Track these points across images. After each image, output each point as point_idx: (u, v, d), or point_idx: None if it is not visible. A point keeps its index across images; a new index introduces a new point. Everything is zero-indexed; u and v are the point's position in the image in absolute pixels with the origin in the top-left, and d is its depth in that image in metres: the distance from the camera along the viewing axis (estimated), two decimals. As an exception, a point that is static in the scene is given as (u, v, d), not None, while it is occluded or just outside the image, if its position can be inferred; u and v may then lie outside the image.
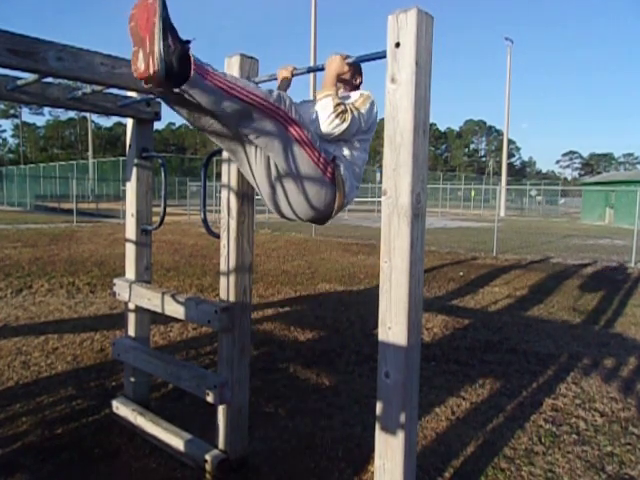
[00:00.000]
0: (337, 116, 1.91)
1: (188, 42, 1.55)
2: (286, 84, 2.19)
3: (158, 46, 1.46)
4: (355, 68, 2.20)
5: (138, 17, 1.51)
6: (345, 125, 1.94)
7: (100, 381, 3.41)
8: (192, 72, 1.51)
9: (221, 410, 2.37)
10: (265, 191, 1.98)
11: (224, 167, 2.30)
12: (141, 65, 1.49)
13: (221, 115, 1.69)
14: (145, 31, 1.48)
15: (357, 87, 2.24)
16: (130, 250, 2.90)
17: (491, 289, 7.12)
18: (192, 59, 1.52)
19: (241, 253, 2.31)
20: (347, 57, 1.92)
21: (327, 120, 1.91)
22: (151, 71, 1.47)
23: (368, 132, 2.12)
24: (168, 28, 1.49)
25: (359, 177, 2.14)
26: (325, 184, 1.91)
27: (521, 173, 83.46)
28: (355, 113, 1.98)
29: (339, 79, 2.06)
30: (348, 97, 2.08)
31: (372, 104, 2.06)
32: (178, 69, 1.50)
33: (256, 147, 1.86)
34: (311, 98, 2.38)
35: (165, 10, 1.50)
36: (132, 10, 1.54)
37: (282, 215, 2.07)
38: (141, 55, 1.50)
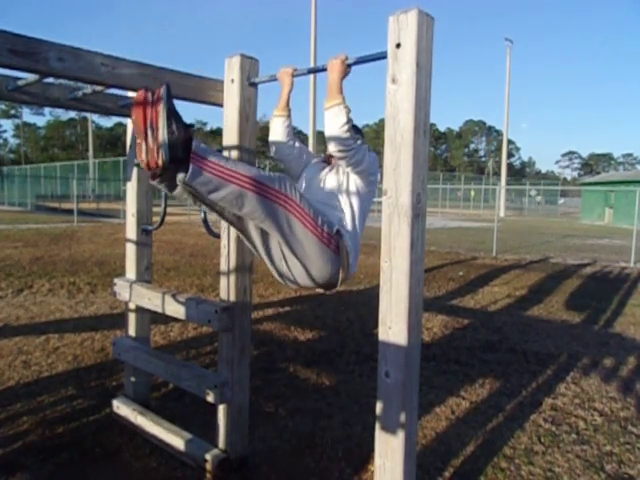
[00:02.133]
0: (350, 129, 1.90)
1: (191, 126, 1.59)
2: (288, 89, 2.18)
3: (162, 134, 1.51)
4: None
5: (138, 110, 1.55)
6: (357, 143, 1.94)
7: (101, 381, 3.41)
8: (191, 164, 1.54)
9: (221, 410, 2.37)
10: (268, 263, 1.98)
11: (224, 167, 2.30)
12: (145, 157, 1.55)
13: (222, 202, 1.69)
14: (147, 121, 1.53)
15: None
16: (130, 250, 2.91)
17: (491, 289, 7.13)
18: (193, 147, 1.56)
19: (241, 253, 2.31)
20: (347, 59, 1.92)
21: (341, 129, 1.88)
22: (156, 160, 1.52)
23: (371, 182, 2.08)
24: (172, 115, 1.54)
25: (359, 243, 2.11)
26: (329, 257, 1.89)
27: (521, 173, 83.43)
28: (365, 145, 2.00)
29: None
30: None
31: (375, 157, 2.07)
32: (182, 154, 1.55)
33: (258, 227, 1.85)
34: (315, 155, 2.40)
35: (169, 98, 1.55)
36: (134, 103, 1.58)
37: (285, 283, 2.06)
38: (144, 147, 1.55)
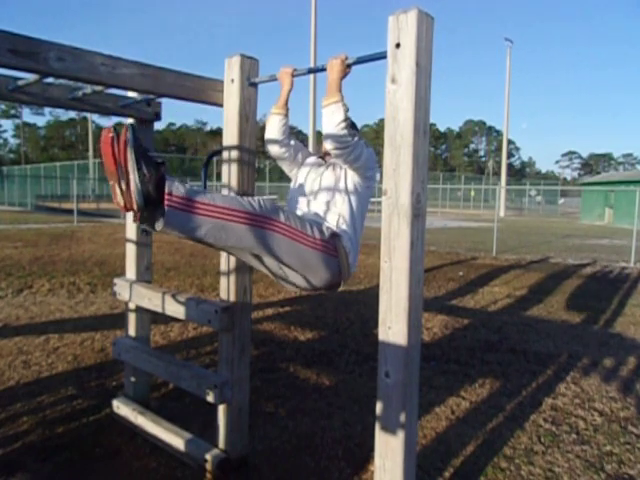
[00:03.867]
0: (347, 126, 1.88)
1: (162, 164, 1.56)
2: (288, 88, 2.18)
3: (134, 178, 1.49)
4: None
5: (107, 152, 1.53)
6: (354, 141, 1.91)
7: (100, 381, 3.41)
8: (166, 207, 1.51)
9: (221, 410, 2.37)
10: (269, 274, 2.00)
11: (224, 167, 2.31)
12: (121, 200, 1.54)
13: (205, 238, 1.64)
14: (117, 165, 1.51)
15: None
16: (130, 250, 2.91)
17: (491, 289, 7.13)
18: (166, 187, 1.52)
19: (241, 253, 2.31)
20: (347, 58, 1.92)
21: (338, 126, 1.86)
22: (132, 204, 1.51)
23: (368, 177, 2.07)
24: (141, 157, 1.51)
25: (359, 241, 2.10)
26: (327, 262, 1.89)
27: (521, 173, 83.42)
28: (362, 141, 1.98)
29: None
30: None
31: (373, 152, 2.06)
32: (156, 195, 1.52)
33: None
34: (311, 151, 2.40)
35: (136, 140, 1.52)
36: (101, 146, 1.55)
37: (287, 288, 2.11)
38: (118, 190, 1.53)
